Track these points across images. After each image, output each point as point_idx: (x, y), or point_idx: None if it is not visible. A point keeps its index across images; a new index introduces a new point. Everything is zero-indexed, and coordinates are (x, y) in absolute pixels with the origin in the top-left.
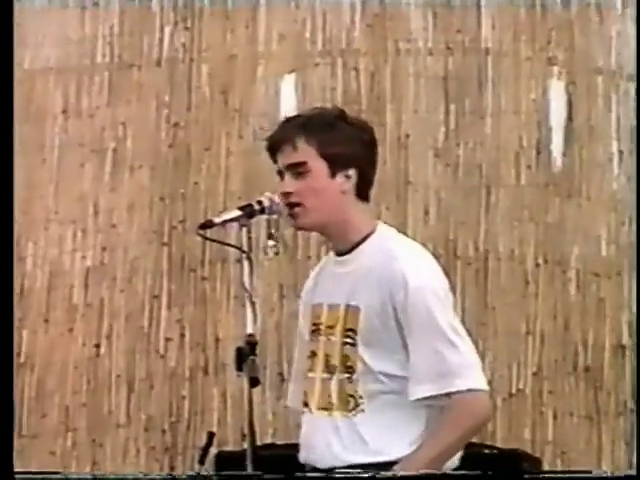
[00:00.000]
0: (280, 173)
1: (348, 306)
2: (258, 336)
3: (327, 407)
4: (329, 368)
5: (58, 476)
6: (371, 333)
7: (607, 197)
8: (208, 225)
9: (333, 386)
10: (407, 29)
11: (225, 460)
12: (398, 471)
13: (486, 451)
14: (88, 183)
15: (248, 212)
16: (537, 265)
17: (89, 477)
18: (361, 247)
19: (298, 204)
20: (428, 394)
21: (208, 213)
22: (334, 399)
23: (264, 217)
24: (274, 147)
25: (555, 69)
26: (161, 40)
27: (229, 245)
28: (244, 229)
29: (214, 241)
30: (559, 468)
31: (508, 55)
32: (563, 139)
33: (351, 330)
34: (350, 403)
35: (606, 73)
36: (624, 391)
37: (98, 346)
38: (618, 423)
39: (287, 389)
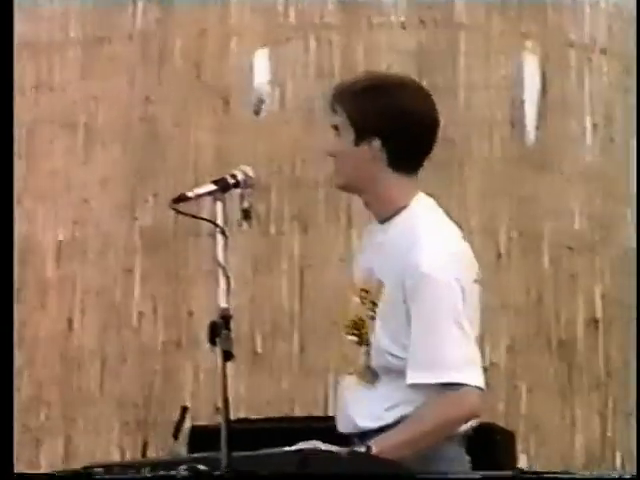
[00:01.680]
0: None
1: (377, 279)
2: (232, 310)
3: (353, 373)
4: (362, 336)
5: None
6: (387, 311)
7: (580, 171)
8: (182, 199)
9: (362, 355)
10: (380, 3)
11: (199, 435)
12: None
13: None
14: (60, 158)
15: (222, 186)
16: (510, 239)
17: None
18: (393, 220)
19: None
20: (423, 381)
21: (181, 187)
22: (361, 367)
23: (238, 191)
24: (328, 107)
25: (528, 43)
26: (134, 14)
27: (203, 219)
28: (218, 203)
29: (187, 215)
30: (532, 442)
31: (481, 29)
32: (536, 113)
33: (374, 303)
34: (367, 375)
35: (579, 46)
36: (597, 365)
37: (70, 321)
38: (591, 397)
39: (260, 363)
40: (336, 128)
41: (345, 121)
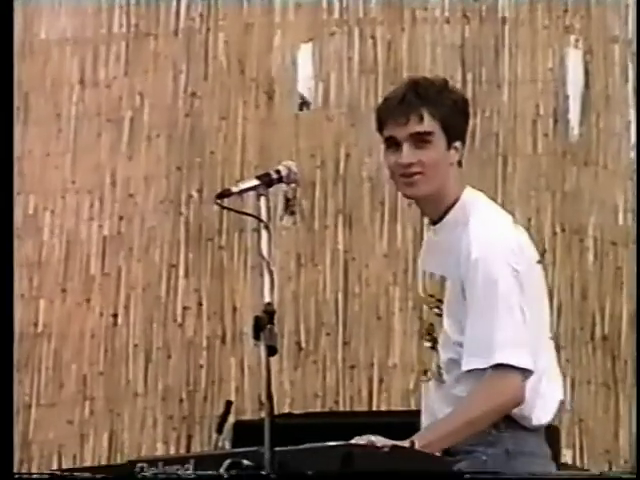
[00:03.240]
0: (390, 140)
1: (439, 276)
2: (276, 305)
3: (430, 379)
4: (433, 339)
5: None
6: (452, 304)
7: (624, 165)
8: (226, 194)
9: (434, 357)
10: None
11: (242, 429)
12: (417, 439)
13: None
14: (105, 153)
15: (266, 181)
16: (554, 234)
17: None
18: (447, 217)
19: (417, 173)
20: (475, 367)
21: (225, 182)
22: (434, 368)
23: (282, 186)
24: (396, 114)
25: (572, 38)
26: (178, 10)
27: (247, 214)
28: (262, 198)
29: (232, 210)
30: (577, 436)
31: (525, 24)
32: (580, 108)
33: (439, 301)
34: (442, 374)
35: (622, 42)
36: None
37: (115, 316)
38: (635, 391)
39: (304, 358)
40: (421, 136)
41: (438, 127)
